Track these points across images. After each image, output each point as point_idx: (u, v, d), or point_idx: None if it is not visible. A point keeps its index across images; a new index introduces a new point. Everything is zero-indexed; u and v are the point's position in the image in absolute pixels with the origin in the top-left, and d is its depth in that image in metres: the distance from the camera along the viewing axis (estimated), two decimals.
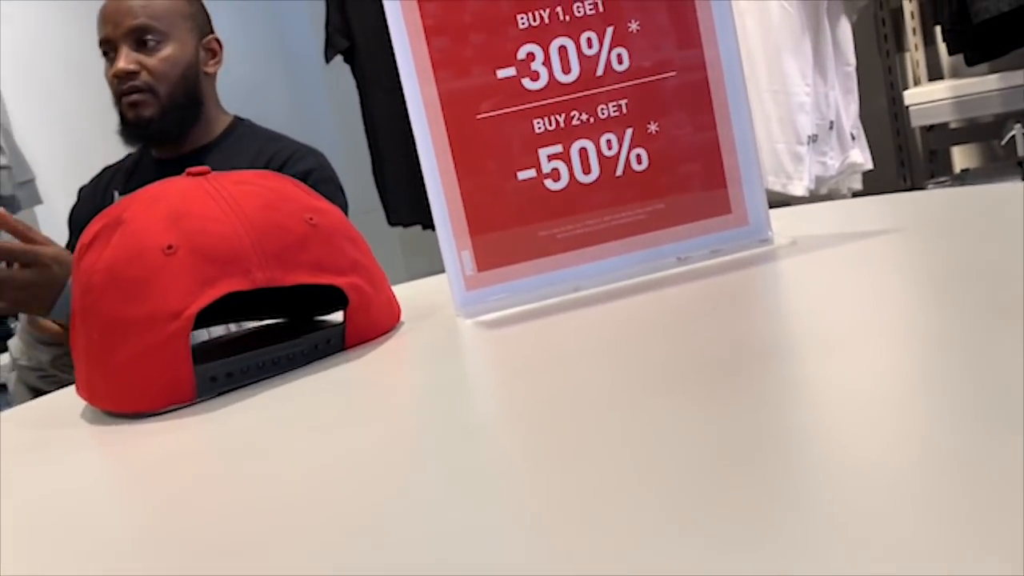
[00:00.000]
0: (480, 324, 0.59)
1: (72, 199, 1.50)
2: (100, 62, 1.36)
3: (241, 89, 2.61)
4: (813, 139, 1.78)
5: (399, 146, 2.29)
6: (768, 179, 1.78)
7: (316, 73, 2.82)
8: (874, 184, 1.94)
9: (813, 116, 1.78)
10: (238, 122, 1.44)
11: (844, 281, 0.50)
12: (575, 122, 0.62)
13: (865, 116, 1.86)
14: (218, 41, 1.42)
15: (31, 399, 0.73)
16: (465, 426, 0.38)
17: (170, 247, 0.52)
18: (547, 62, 0.62)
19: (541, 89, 0.62)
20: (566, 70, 0.62)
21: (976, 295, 0.40)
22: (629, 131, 0.63)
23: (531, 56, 0.62)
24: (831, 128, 1.80)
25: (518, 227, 0.63)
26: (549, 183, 0.63)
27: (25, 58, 2.33)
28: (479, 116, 0.62)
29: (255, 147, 1.38)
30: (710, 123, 0.63)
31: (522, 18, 0.61)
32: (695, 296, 0.53)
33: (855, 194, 1.92)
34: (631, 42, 0.62)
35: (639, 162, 0.63)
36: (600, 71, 0.62)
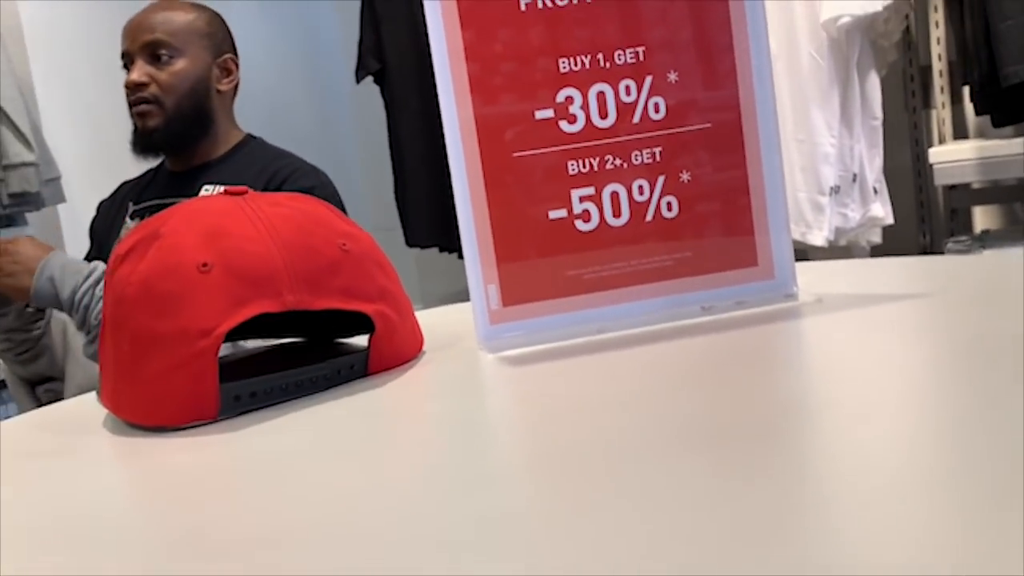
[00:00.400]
0: (502, 359, 0.59)
1: (95, 199, 1.54)
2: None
3: (268, 103, 2.64)
4: (835, 190, 1.78)
5: (423, 169, 2.31)
6: None
7: (344, 92, 2.85)
8: (893, 239, 1.94)
9: (837, 167, 1.78)
10: (249, 139, 1.49)
11: (869, 346, 0.50)
12: (608, 166, 0.63)
13: (888, 170, 1.87)
14: (234, 61, 1.47)
15: None
16: (482, 468, 0.39)
17: (205, 265, 0.53)
18: (585, 106, 0.63)
19: (577, 132, 0.63)
20: (603, 115, 0.63)
21: (1002, 370, 0.40)
22: (661, 178, 0.64)
23: (570, 99, 0.63)
24: (854, 180, 1.81)
25: (546, 265, 0.63)
26: (579, 224, 0.63)
27: (58, 58, 2.37)
28: (515, 154, 0.62)
29: (261, 163, 1.42)
30: (742, 174, 0.64)
31: (564, 62, 0.62)
32: (719, 349, 0.54)
33: (874, 248, 1.92)
34: (669, 92, 0.63)
35: (669, 209, 0.64)
36: (636, 118, 0.63)
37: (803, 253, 1.95)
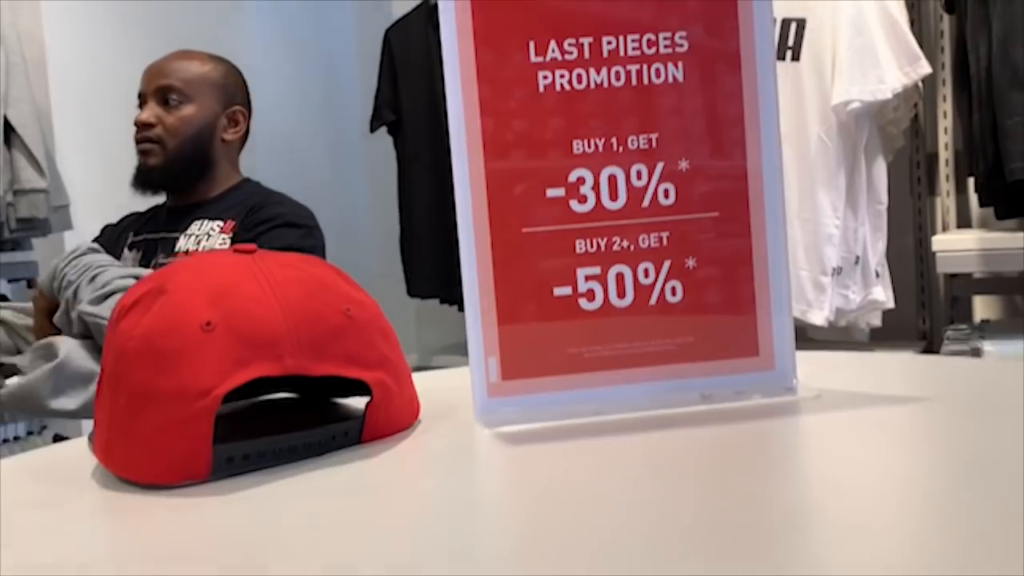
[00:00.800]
0: (498, 436, 0.59)
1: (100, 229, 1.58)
2: None
3: (284, 146, 2.67)
4: (837, 271, 1.79)
5: (430, 222, 2.32)
6: None
7: (359, 140, 2.89)
8: (893, 323, 1.94)
9: (840, 249, 1.80)
10: (246, 182, 1.55)
11: (867, 451, 0.50)
12: (616, 247, 0.64)
13: (891, 254, 1.88)
14: (243, 113, 1.54)
15: None
16: (471, 555, 0.38)
17: (208, 324, 0.53)
18: (596, 188, 0.63)
19: (587, 212, 0.63)
20: (613, 197, 0.64)
21: (1001, 483, 0.40)
22: (667, 263, 0.64)
23: (581, 180, 0.63)
24: (856, 263, 1.82)
25: (548, 341, 0.63)
26: (583, 302, 0.64)
27: (77, 91, 2.39)
28: (525, 229, 0.63)
29: (251, 200, 1.48)
30: (747, 271, 0.64)
31: (578, 143, 0.63)
32: (717, 444, 0.53)
33: (873, 331, 1.93)
34: (679, 179, 0.64)
35: (673, 294, 0.64)
36: (646, 203, 0.64)
37: (803, 331, 1.95)
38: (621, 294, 0.64)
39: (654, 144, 0.63)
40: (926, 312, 2.18)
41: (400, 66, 2.37)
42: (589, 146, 0.63)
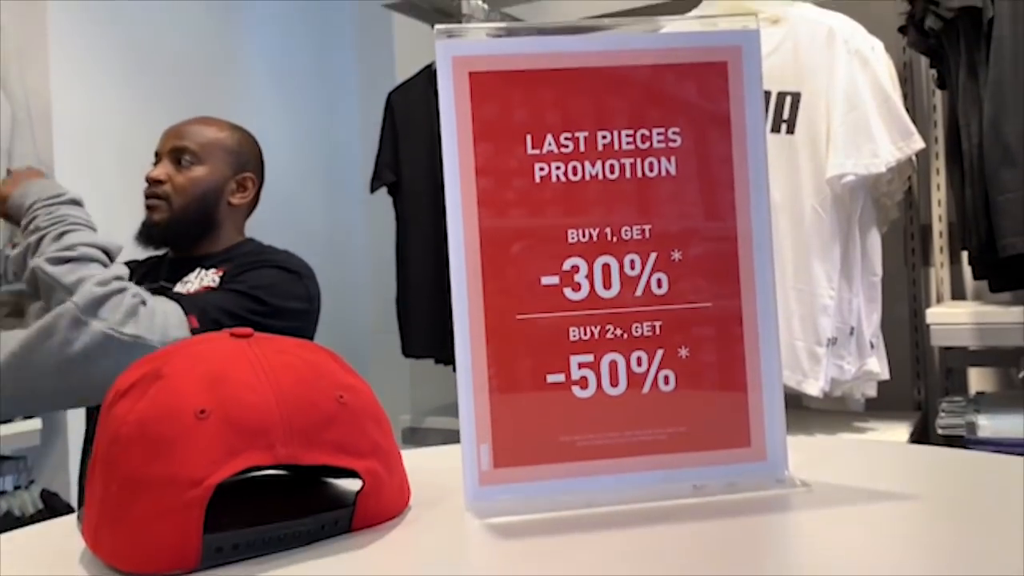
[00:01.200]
0: (488, 527, 0.59)
1: None
2: (149, 159, 1.56)
3: (287, 204, 2.70)
4: (832, 342, 1.80)
5: (426, 283, 2.33)
6: (784, 374, 1.79)
7: (359, 200, 2.92)
8: (888, 394, 1.94)
9: (835, 319, 1.80)
10: (248, 241, 1.59)
11: (856, 551, 0.50)
12: (609, 335, 0.64)
13: (886, 325, 1.89)
14: (253, 180, 1.58)
15: None
16: None
17: (203, 411, 0.53)
18: (590, 276, 0.64)
19: (581, 300, 0.64)
20: (607, 286, 0.64)
21: None
22: (660, 352, 0.65)
23: (576, 268, 0.64)
24: (851, 334, 1.82)
25: (540, 429, 0.64)
26: (576, 390, 0.64)
27: (81, 147, 2.42)
28: (518, 316, 0.64)
29: (251, 256, 1.51)
30: (739, 350, 0.65)
31: (572, 233, 0.64)
32: (709, 539, 0.53)
33: (868, 400, 1.92)
34: (672, 270, 0.65)
35: (666, 383, 0.65)
36: (639, 292, 0.65)
37: (798, 399, 1.95)
38: (614, 382, 0.64)
39: (647, 235, 0.65)
40: (921, 383, 2.18)
41: (401, 129, 2.40)
42: (584, 235, 0.64)
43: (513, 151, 0.63)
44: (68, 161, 2.38)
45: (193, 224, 1.51)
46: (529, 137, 0.63)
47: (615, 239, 0.64)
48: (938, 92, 2.08)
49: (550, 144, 0.64)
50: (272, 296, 1.40)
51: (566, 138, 0.64)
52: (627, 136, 0.64)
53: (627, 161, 0.64)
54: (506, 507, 0.61)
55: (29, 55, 2.32)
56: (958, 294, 2.15)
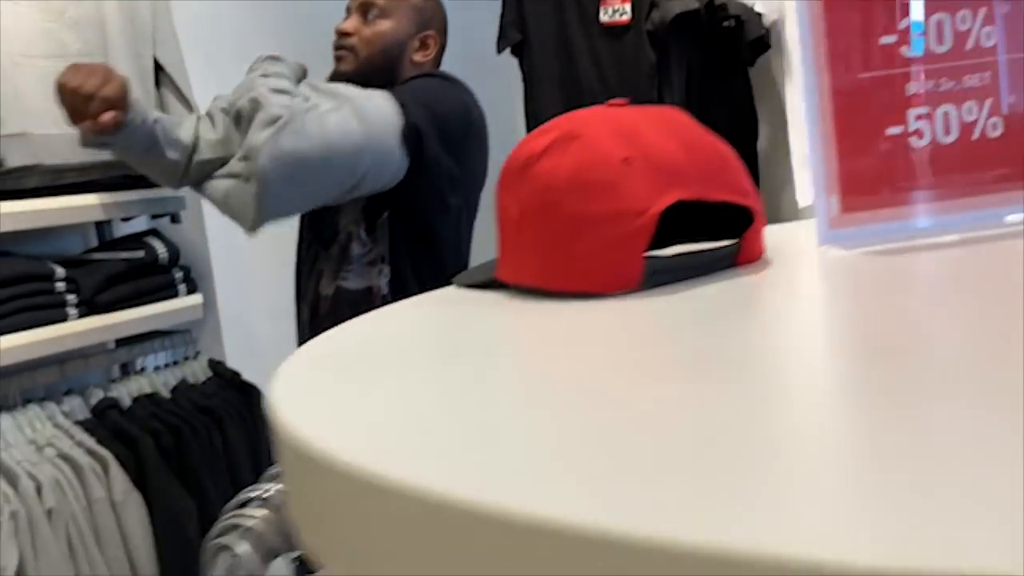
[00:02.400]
0: (840, 259, 0.66)
1: None
2: None
3: None
4: None
5: None
6: None
7: (489, 64, 2.93)
8: None
9: None
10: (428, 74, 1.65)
11: None
12: (942, 88, 0.70)
13: None
14: (435, 39, 1.64)
15: None
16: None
17: (627, 159, 0.61)
18: (925, 34, 0.70)
19: (917, 57, 0.70)
20: (940, 42, 0.70)
21: None
22: (988, 101, 0.70)
23: (911, 27, 0.69)
24: None
25: (881, 177, 0.70)
26: (913, 140, 0.70)
27: (201, 49, 2.47)
28: (860, 76, 0.70)
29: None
30: None
31: None
32: None
33: None
34: (1000, 23, 0.70)
35: (994, 129, 0.71)
36: (969, 45, 0.70)
37: None
38: (947, 131, 0.71)
39: None
40: None
41: None
42: None
43: None
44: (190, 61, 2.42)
45: (377, 75, 1.58)
46: None
47: None
48: None
49: None
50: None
51: None
52: None
53: None
54: (853, 244, 0.69)
55: None
56: None
